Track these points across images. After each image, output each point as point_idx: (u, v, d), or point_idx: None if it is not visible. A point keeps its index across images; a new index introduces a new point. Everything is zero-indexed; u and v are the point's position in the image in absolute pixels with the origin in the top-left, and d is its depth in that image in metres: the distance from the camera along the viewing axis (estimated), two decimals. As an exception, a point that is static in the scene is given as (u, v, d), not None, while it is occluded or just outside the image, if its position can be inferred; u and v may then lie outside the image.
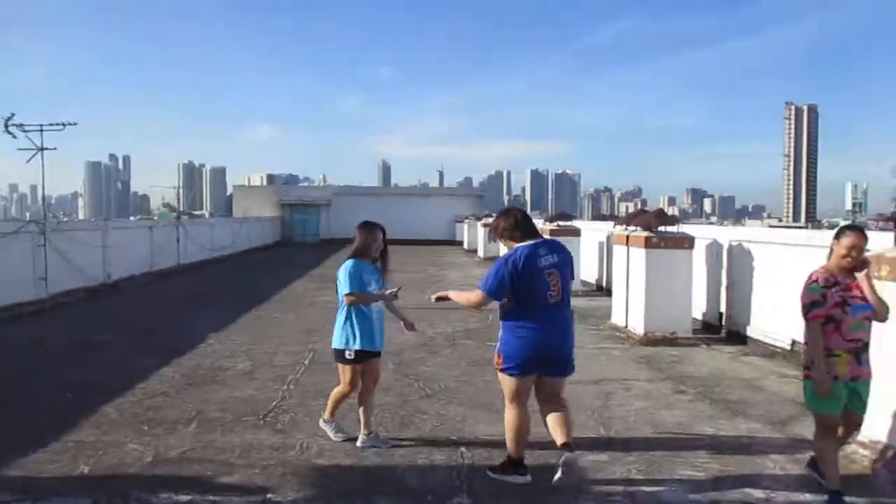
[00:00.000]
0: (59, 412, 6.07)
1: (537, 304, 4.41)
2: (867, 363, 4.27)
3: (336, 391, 5.35)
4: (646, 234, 9.72)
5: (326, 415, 5.49)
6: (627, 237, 10.25)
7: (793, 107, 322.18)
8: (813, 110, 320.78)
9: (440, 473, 4.78)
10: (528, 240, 4.57)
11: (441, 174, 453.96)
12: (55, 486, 4.49)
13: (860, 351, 4.23)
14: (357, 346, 5.10)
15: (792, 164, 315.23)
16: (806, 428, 5.67)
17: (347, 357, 5.12)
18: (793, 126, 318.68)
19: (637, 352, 9.00)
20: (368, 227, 5.28)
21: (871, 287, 4.21)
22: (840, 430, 4.40)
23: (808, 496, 4.42)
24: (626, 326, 10.23)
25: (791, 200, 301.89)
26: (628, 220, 10.74)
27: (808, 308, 4.20)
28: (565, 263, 4.59)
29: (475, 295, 4.52)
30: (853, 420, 4.43)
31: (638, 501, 4.34)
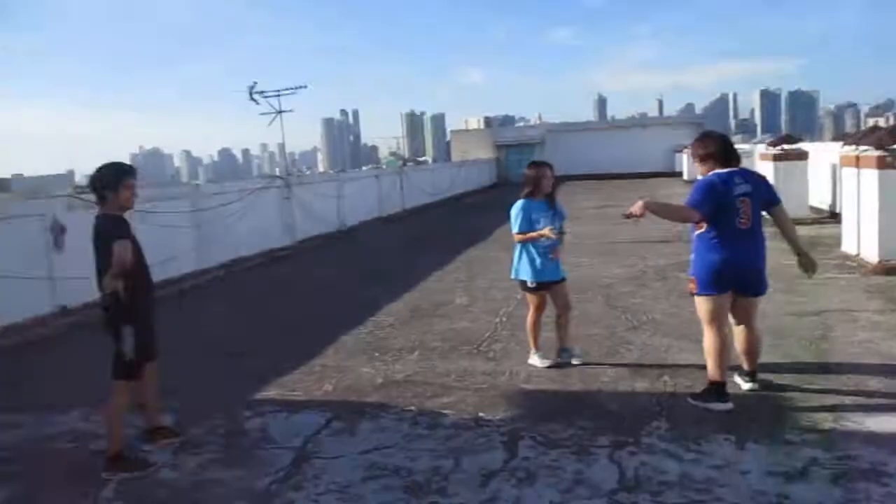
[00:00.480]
0: (307, 340, 7.07)
1: (728, 229, 4.56)
2: None
3: (529, 320, 5.83)
4: (879, 153, 8.85)
5: (532, 345, 5.89)
6: (857, 158, 9.40)
7: None
8: None
9: (641, 400, 4.97)
10: (726, 167, 4.68)
11: (660, 103, 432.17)
12: (305, 402, 5.35)
13: None
14: (530, 278, 5.63)
15: None
16: None
17: (530, 286, 5.68)
18: None
19: (868, 281, 8.34)
20: (536, 165, 5.74)
21: None
22: None
23: None
24: (858, 254, 9.46)
25: None
26: (859, 139, 9.80)
27: None
28: (758, 191, 4.66)
29: (679, 206, 4.75)
30: None
31: (845, 434, 4.23)
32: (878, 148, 8.92)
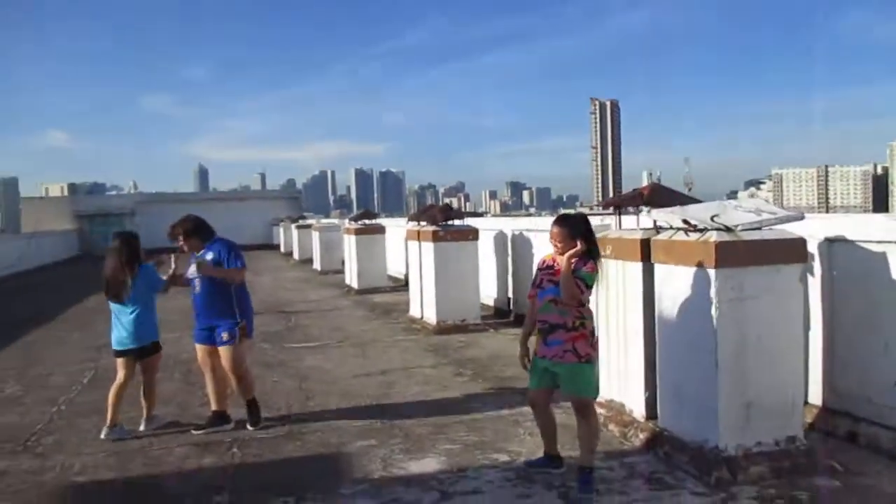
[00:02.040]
0: None
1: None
2: (554, 344, 4.24)
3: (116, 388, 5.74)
4: (433, 228, 10.18)
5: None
6: (418, 232, 10.69)
7: (597, 102, 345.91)
8: (615, 105, 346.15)
9: (206, 475, 4.80)
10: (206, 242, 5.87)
11: (263, 176, 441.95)
12: None
13: (546, 332, 4.29)
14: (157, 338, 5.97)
15: (599, 155, 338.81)
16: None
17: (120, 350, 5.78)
18: (598, 119, 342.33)
19: (429, 340, 9.42)
20: (116, 235, 6.00)
21: (566, 269, 4.16)
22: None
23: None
24: (422, 318, 10.66)
25: (600, 188, 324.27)
26: (418, 216, 11.19)
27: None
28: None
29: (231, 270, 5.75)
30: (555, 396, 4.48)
31: (392, 479, 4.62)
32: (432, 223, 10.25)
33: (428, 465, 4.83)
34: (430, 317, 10.32)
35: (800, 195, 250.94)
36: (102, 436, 5.58)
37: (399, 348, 9.02)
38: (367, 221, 16.48)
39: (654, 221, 5.24)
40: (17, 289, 20.12)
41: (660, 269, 4.96)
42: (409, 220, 12.69)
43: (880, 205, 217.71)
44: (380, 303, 13.50)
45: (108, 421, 5.63)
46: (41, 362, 8.89)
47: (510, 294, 11.04)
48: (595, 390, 4.65)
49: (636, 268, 5.27)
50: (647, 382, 5.24)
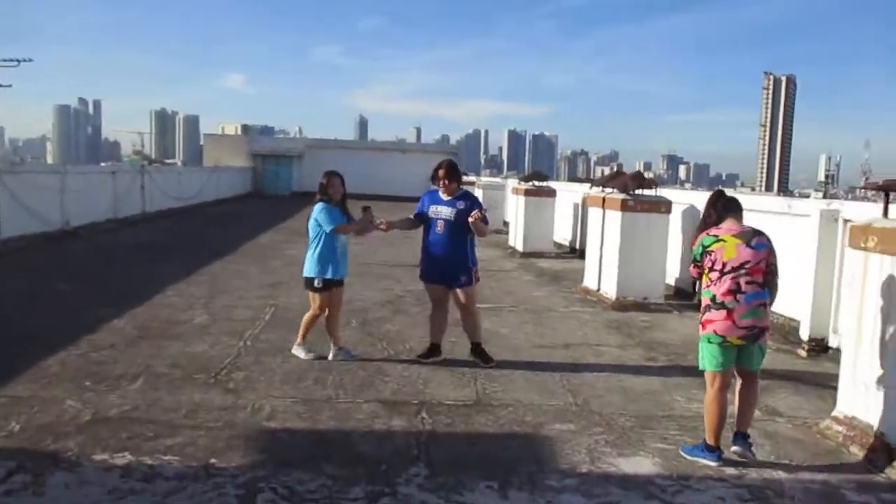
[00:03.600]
0: (-5, 364, 5.69)
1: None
2: None
3: (307, 315, 6.19)
4: (622, 196, 9.45)
5: (298, 338, 6.23)
6: (604, 199, 9.98)
7: (771, 77, 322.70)
8: (791, 81, 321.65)
9: (398, 440, 4.52)
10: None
11: (419, 130, 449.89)
12: (-20, 445, 4.16)
13: None
14: (326, 275, 6.00)
15: (768, 133, 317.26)
16: (774, 398, 5.51)
17: (316, 285, 6.03)
18: (770, 96, 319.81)
19: (608, 316, 8.79)
20: (330, 173, 6.24)
21: None
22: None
23: (780, 473, 4.23)
24: (599, 290, 10.01)
25: (765, 170, 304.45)
26: (605, 181, 10.45)
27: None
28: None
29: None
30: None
31: (602, 475, 4.11)
32: (622, 191, 9.51)
33: (641, 465, 4.27)
34: (609, 290, 9.65)
35: None
36: (330, 356, 6.14)
37: (577, 320, 8.46)
38: (536, 183, 15.85)
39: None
40: (199, 220, 21.31)
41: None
42: (592, 185, 11.97)
43: None
44: (546, 269, 12.94)
45: (333, 343, 6.21)
46: (226, 293, 9.11)
47: (696, 275, 10.12)
48: (700, 363, 4.53)
49: (915, 266, 4.37)
50: (914, 404, 4.38)
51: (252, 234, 16.68)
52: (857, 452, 4.56)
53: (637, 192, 9.57)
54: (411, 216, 6.29)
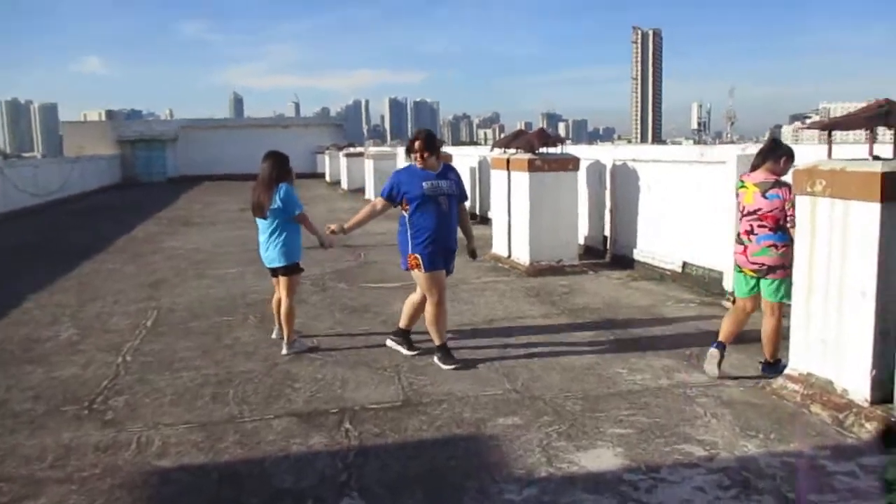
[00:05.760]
0: None
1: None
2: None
3: (285, 306, 5.71)
4: (528, 156, 8.95)
5: (287, 337, 5.75)
6: (508, 160, 9.46)
7: (639, 31, 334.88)
8: (658, 34, 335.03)
9: (320, 463, 3.79)
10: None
11: (297, 105, 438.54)
12: None
13: None
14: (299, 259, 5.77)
15: (639, 86, 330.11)
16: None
17: (301, 267, 5.86)
18: (639, 49, 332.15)
19: (524, 284, 8.31)
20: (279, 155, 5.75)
21: None
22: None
23: (751, 447, 3.83)
24: (510, 256, 9.53)
25: (639, 122, 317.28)
26: (507, 142, 9.90)
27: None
28: None
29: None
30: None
31: (566, 478, 3.56)
32: (527, 151, 9.01)
33: (604, 458, 3.74)
34: (521, 256, 9.18)
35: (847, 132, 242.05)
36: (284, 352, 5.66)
37: (494, 292, 7.92)
38: (548, 150, 15.05)
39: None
40: (63, 216, 19.36)
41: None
42: (493, 146, 11.42)
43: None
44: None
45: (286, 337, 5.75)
46: (98, 299, 7.97)
47: (606, 232, 9.83)
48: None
49: (870, 210, 4.02)
50: (876, 356, 4.07)
51: (126, 227, 15.16)
52: (819, 412, 4.24)
53: (542, 150, 9.10)
54: (377, 205, 5.44)
